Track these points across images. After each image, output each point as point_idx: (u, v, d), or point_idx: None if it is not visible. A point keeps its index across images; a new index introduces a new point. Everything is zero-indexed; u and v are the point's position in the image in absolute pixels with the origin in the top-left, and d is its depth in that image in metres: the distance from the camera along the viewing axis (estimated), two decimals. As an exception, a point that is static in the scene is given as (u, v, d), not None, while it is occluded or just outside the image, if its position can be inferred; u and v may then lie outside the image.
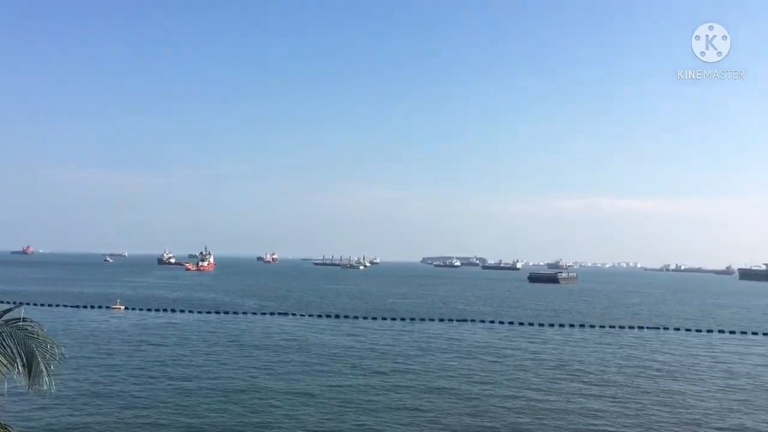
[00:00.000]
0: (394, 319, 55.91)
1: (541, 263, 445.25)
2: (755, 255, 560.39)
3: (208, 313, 58.30)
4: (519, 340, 43.44)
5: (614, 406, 24.88)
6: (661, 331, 51.46)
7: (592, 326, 53.61)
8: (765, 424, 22.65)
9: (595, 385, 28.84)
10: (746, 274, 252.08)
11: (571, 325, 53.83)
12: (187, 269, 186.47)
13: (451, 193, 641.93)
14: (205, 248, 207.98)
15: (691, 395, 27.06)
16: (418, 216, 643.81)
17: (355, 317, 56.71)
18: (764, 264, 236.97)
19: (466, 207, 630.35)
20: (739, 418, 23.54)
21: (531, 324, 54.18)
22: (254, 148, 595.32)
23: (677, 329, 52.34)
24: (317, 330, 47.04)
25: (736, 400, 26.33)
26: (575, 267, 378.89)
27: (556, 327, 52.92)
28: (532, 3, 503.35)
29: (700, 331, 51.75)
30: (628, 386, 28.62)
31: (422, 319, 55.90)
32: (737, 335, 49.87)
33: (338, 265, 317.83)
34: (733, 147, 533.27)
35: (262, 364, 32.67)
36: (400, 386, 27.64)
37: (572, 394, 26.84)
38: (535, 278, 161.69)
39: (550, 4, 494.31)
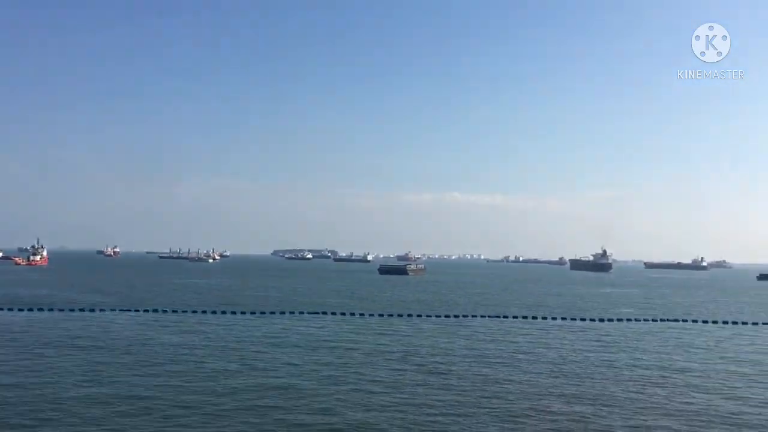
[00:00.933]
0: (243, 313, 54.03)
1: (391, 255, 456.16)
2: (584, 247, 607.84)
3: (41, 310, 53.10)
4: (365, 333, 43.36)
5: (456, 395, 25.22)
6: (501, 319, 53.71)
7: (437, 316, 54.95)
8: (578, 400, 23.92)
9: (441, 374, 29.20)
10: (576, 264, 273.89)
11: (419, 315, 54.88)
12: (17, 264, 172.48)
13: (303, 186, 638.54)
14: (37, 241, 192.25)
15: (526, 382, 28.09)
16: (269, 208, 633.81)
17: (203, 312, 54.10)
18: (591, 255, 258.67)
19: (318, 200, 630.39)
20: (560, 398, 24.72)
21: (380, 315, 54.60)
22: (90, 129, 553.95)
23: (515, 317, 54.95)
24: (160, 327, 44.23)
25: (566, 383, 27.68)
26: (423, 259, 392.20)
27: (404, 317, 53.71)
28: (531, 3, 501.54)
29: (536, 318, 54.64)
30: (469, 375, 29.23)
31: (272, 313, 54.46)
32: (567, 321, 53.10)
33: (186, 258, 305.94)
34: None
35: (93, 366, 29.90)
36: (245, 386, 26.31)
37: (418, 385, 26.95)
38: (384, 270, 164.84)
39: (549, 4, 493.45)
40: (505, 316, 55.32)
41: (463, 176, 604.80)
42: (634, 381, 28.46)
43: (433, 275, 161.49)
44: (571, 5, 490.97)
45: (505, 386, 26.82)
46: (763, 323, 54.51)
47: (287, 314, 53.74)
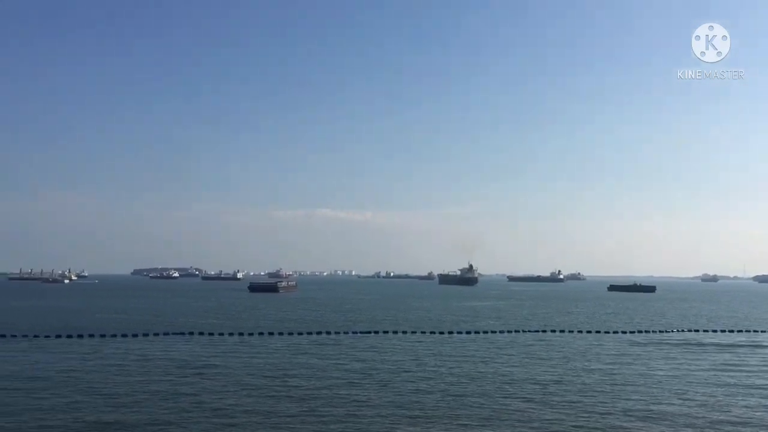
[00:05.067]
0: (103, 336, 50.62)
1: (262, 273, 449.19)
2: (451, 263, 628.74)
3: None
4: (240, 352, 42.13)
5: (308, 415, 24.98)
6: (372, 335, 54.10)
7: (309, 333, 54.45)
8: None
9: (303, 392, 28.82)
10: (444, 279, 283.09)
11: (290, 333, 54.10)
12: None
13: (164, 202, 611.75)
14: None
15: (382, 397, 28.35)
16: (129, 226, 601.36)
17: (58, 336, 50.20)
18: (458, 270, 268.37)
19: (181, 217, 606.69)
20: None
21: (251, 334, 53.28)
22: None
23: (386, 332, 55.56)
24: (14, 351, 40.56)
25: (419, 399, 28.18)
26: (295, 276, 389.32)
27: (276, 335, 52.75)
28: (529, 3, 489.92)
29: (405, 332, 55.55)
30: (323, 392, 29.10)
31: (135, 335, 51.49)
32: (436, 335, 54.42)
33: (39, 279, 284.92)
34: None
35: None
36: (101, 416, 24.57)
37: (276, 405, 26.44)
38: (255, 288, 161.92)
39: (548, 3, 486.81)
40: (375, 332, 55.78)
41: (331, 193, 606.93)
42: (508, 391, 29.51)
43: (304, 292, 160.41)
44: (571, 5, 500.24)
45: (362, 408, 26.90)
46: (615, 332, 58.76)
47: (150, 336, 51.17)
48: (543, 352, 43.57)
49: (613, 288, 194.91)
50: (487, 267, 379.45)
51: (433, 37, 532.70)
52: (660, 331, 59.21)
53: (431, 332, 55.89)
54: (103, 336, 50.53)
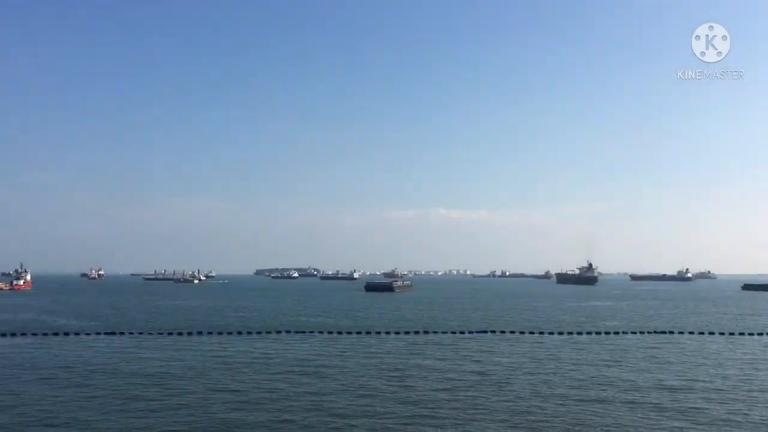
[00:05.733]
0: (230, 333, 53.45)
1: (378, 272, 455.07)
2: (569, 261, 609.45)
3: (24, 335, 52.34)
4: (354, 351, 42.93)
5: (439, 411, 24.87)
6: (489, 334, 53.44)
7: (426, 332, 54.61)
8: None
9: (419, 394, 28.81)
10: (562, 278, 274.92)
11: (406, 332, 54.49)
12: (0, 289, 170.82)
13: (283, 205, 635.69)
14: (21, 265, 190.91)
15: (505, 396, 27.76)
16: (250, 228, 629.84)
17: (199, 333, 53.74)
18: (577, 269, 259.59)
19: (300, 220, 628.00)
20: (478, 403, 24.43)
21: (368, 333, 54.19)
22: (63, 148, 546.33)
23: (503, 332, 54.73)
24: (152, 349, 43.58)
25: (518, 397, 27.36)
26: (410, 275, 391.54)
27: (392, 334, 53.31)
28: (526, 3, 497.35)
29: (513, 332, 54.50)
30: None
31: (268, 332, 54.06)
32: (565, 335, 52.92)
33: (171, 279, 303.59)
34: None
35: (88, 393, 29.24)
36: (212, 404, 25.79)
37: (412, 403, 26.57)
38: (371, 287, 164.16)
39: (549, 4, 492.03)
40: (492, 331, 55.09)
41: (446, 192, 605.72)
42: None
43: (419, 291, 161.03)
44: (570, 6, 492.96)
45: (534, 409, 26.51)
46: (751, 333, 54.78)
47: (283, 333, 53.54)
48: (673, 356, 41.28)
49: (748, 287, 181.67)
50: (607, 266, 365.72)
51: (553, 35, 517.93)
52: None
53: (549, 333, 54.44)
54: (230, 333, 53.26)
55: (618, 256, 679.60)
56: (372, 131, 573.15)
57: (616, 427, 22.66)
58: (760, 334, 54.61)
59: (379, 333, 54.27)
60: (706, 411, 25.01)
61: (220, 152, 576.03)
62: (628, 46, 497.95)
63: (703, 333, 54.91)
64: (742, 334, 54.56)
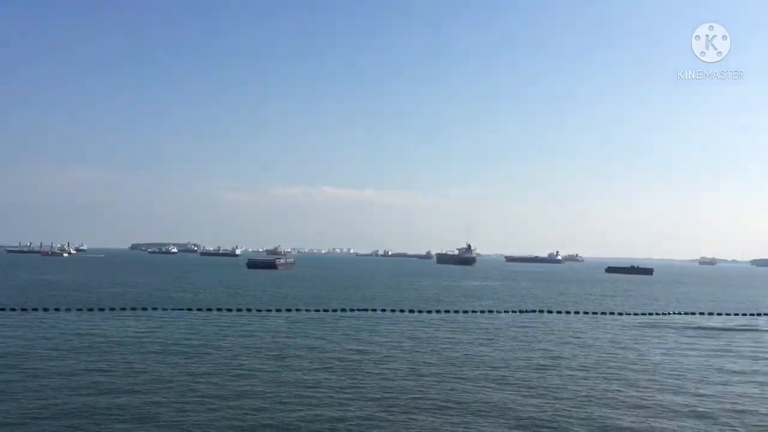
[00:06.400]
0: (101, 309, 50.73)
1: (261, 249, 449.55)
2: (449, 242, 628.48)
3: None
4: (233, 329, 42.11)
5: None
6: (363, 312, 54.17)
7: (307, 310, 54.48)
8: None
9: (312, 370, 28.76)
10: (442, 258, 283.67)
11: (288, 310, 54.14)
12: None
13: (163, 179, 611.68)
14: None
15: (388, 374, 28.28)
16: (127, 200, 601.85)
17: (67, 309, 50.47)
18: (457, 249, 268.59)
19: (179, 194, 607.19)
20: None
21: (249, 310, 53.32)
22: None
23: (374, 309, 55.73)
24: (11, 326, 40.56)
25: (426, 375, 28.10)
26: (293, 253, 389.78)
27: (273, 312, 52.77)
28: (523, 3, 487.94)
29: (394, 311, 55.57)
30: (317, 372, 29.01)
31: (144, 309, 51.78)
32: (442, 314, 54.43)
33: (38, 252, 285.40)
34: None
35: None
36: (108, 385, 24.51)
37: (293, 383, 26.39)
38: (253, 264, 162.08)
39: (548, 4, 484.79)
40: (373, 309, 55.81)
41: (332, 170, 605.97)
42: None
43: (302, 269, 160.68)
44: (570, 5, 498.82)
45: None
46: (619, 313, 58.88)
47: (149, 310, 51.18)
48: (541, 334, 43.55)
49: (611, 270, 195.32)
50: (485, 247, 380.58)
51: (434, 18, 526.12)
52: (656, 314, 59.28)
53: (428, 311, 55.91)
54: (101, 310, 50.63)
55: (494, 238, 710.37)
56: (259, 103, 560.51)
57: (485, 403, 23.57)
58: (620, 314, 58.74)
59: (260, 311, 53.54)
60: (569, 387, 26.55)
61: (97, 118, 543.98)
62: (628, 46, 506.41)
63: (569, 312, 58.33)
64: (603, 313, 58.44)
